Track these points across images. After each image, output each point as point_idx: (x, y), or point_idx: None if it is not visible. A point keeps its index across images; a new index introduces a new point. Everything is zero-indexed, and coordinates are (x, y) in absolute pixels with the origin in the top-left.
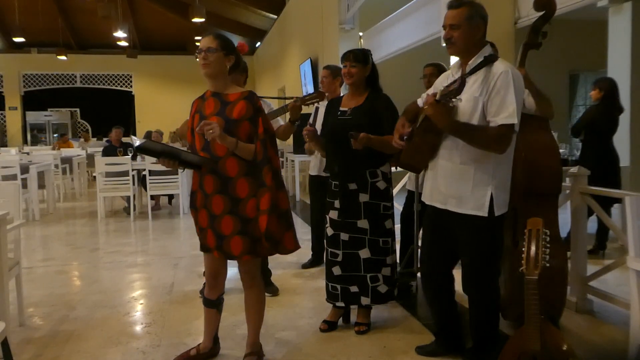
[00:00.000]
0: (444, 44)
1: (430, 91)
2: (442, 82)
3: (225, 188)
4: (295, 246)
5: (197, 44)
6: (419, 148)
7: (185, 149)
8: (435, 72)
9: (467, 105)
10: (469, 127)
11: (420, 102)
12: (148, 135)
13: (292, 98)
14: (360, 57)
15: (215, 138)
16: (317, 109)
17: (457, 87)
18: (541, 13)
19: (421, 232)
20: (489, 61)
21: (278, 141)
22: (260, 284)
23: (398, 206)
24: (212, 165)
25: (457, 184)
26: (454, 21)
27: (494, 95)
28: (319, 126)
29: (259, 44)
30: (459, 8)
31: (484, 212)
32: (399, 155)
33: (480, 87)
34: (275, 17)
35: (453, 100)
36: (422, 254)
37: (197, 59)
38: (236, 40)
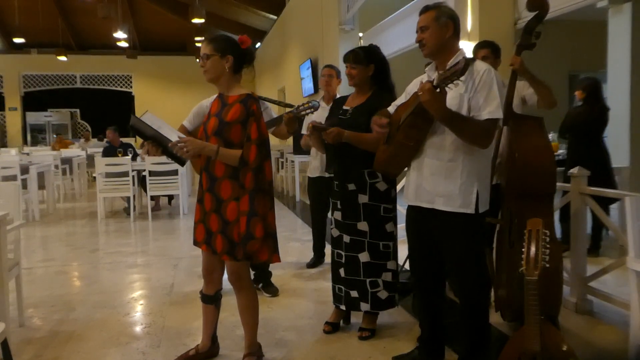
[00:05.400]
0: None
1: (402, 99)
2: (415, 85)
3: (212, 187)
4: (269, 258)
5: (198, 44)
6: (397, 150)
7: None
8: None
9: (453, 103)
10: (462, 117)
11: (391, 110)
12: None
13: (289, 105)
14: (360, 58)
15: (190, 156)
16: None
17: (462, 67)
18: (534, 13)
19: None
20: (471, 60)
21: (278, 141)
22: (250, 286)
23: (402, 209)
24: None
25: (445, 182)
26: (423, 23)
27: (479, 90)
28: (304, 130)
29: (259, 44)
30: (426, 12)
31: (471, 210)
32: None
33: (464, 84)
34: (275, 17)
35: (455, 82)
36: (411, 263)
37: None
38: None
